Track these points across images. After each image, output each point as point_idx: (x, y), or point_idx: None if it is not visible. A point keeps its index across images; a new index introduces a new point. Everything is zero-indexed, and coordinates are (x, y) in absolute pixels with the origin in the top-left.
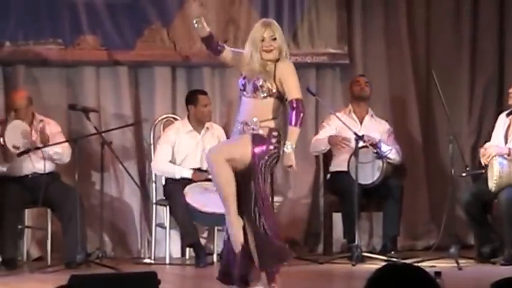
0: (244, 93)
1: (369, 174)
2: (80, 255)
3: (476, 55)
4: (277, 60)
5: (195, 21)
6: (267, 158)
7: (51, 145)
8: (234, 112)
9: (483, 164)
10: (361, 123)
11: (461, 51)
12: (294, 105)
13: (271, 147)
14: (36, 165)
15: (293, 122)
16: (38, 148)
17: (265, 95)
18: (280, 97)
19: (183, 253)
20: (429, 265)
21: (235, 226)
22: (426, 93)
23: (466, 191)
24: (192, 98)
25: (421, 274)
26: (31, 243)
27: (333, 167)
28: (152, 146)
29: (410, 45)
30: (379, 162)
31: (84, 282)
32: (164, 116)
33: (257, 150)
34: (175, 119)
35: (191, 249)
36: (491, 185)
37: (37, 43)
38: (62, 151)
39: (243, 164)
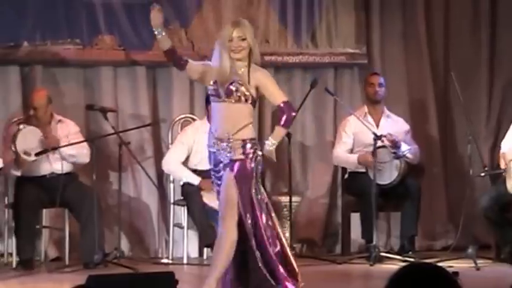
0: (216, 98)
1: (387, 175)
2: (98, 255)
3: (495, 56)
4: (249, 65)
5: (156, 31)
6: (252, 180)
7: (67, 145)
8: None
9: (502, 167)
10: (377, 125)
11: (480, 52)
12: (284, 108)
13: (252, 165)
14: (54, 165)
15: (282, 123)
16: (54, 148)
17: (239, 99)
18: (254, 102)
19: (200, 253)
20: (447, 265)
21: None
22: (444, 94)
23: (484, 195)
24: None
25: (443, 274)
26: (49, 244)
27: (352, 168)
28: (170, 146)
29: (429, 46)
30: (397, 162)
31: (102, 283)
32: (182, 116)
33: (243, 186)
34: (193, 119)
35: (209, 250)
36: (510, 187)
37: (55, 43)
38: (76, 152)
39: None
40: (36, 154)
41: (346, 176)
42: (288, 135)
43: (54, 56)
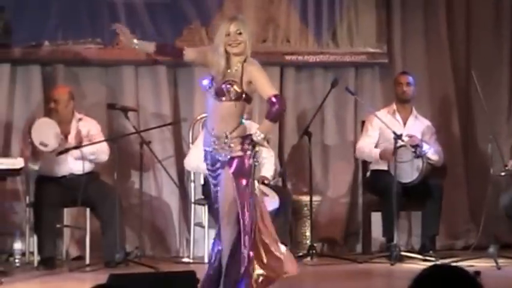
0: (209, 95)
1: (408, 173)
2: (119, 254)
3: None
4: (244, 61)
5: (134, 47)
6: (249, 178)
7: (87, 145)
8: None
9: None
10: (404, 124)
11: (502, 50)
12: (274, 101)
13: (250, 161)
14: (72, 166)
15: (270, 117)
16: (76, 148)
17: (232, 98)
18: (248, 99)
19: None
20: (468, 265)
21: None
22: (466, 93)
23: (505, 194)
24: None
25: (466, 276)
26: (70, 243)
27: (373, 165)
28: (191, 145)
29: (450, 44)
30: (419, 162)
31: (123, 281)
32: (203, 115)
33: (242, 181)
34: None
35: None
36: None
37: (76, 42)
38: (95, 150)
39: None
40: (58, 154)
41: (368, 174)
42: (309, 134)
43: (76, 55)
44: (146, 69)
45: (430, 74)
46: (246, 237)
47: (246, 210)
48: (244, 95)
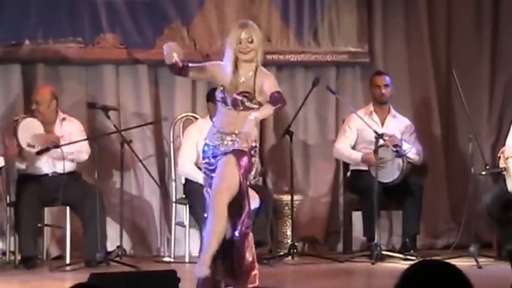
0: (223, 105)
1: (389, 173)
2: (100, 253)
3: (497, 54)
4: (256, 69)
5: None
6: (248, 174)
7: (66, 144)
8: None
9: (501, 166)
10: (382, 124)
11: (482, 49)
12: (276, 95)
13: (252, 160)
14: (56, 164)
15: (271, 101)
16: (56, 147)
17: (246, 108)
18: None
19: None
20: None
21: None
22: (447, 92)
23: (487, 193)
24: (211, 95)
25: (454, 271)
26: (50, 242)
27: (354, 165)
28: (172, 145)
29: (431, 44)
30: (399, 161)
31: (104, 281)
32: (184, 115)
33: (242, 171)
34: (195, 118)
35: None
36: (510, 186)
37: (57, 41)
38: (74, 150)
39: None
40: (38, 153)
41: (348, 174)
42: (290, 133)
43: (56, 54)
44: (127, 68)
45: (410, 73)
46: (246, 219)
47: (247, 195)
48: (257, 105)
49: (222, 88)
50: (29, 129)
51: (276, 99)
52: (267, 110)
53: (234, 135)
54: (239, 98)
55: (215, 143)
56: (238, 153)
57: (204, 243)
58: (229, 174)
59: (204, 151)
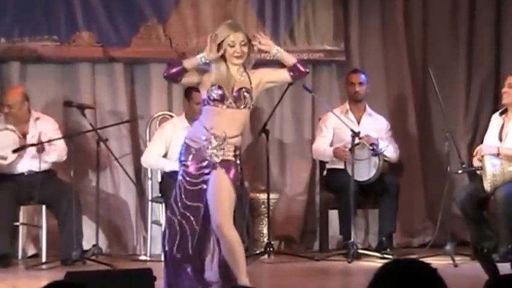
0: (219, 103)
1: (365, 171)
2: (76, 252)
3: (473, 53)
4: (244, 69)
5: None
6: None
7: (44, 142)
8: None
9: (475, 165)
10: (358, 122)
11: (458, 48)
12: (297, 64)
13: (237, 170)
14: (31, 162)
15: (296, 61)
16: (33, 145)
17: (246, 106)
18: (251, 108)
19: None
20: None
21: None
22: (423, 91)
23: (461, 191)
24: (188, 93)
25: (426, 269)
26: (26, 241)
27: (330, 164)
28: (148, 143)
29: (407, 42)
30: (376, 159)
31: (80, 279)
32: (160, 113)
33: (233, 183)
34: (171, 116)
35: None
36: (486, 186)
37: (32, 40)
38: (57, 158)
39: None
40: (14, 151)
41: (325, 173)
42: (266, 132)
43: (32, 52)
44: (103, 66)
45: (387, 71)
46: None
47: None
48: (252, 104)
49: (217, 85)
50: (3, 141)
51: (299, 66)
52: (289, 56)
53: (223, 141)
54: (242, 93)
55: (200, 145)
56: (226, 165)
57: (234, 265)
58: (227, 194)
59: (184, 148)
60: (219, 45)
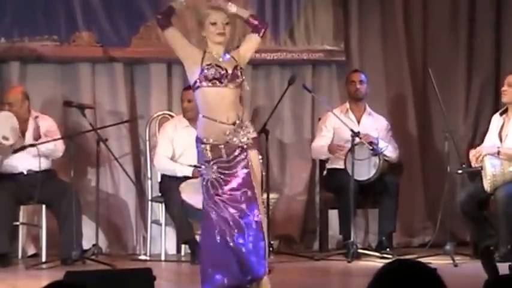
0: (217, 83)
1: (365, 171)
2: (76, 251)
3: (473, 53)
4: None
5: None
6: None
7: (45, 142)
8: None
9: (473, 165)
10: (358, 122)
11: (458, 49)
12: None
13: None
14: (31, 162)
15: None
16: (33, 145)
17: (240, 84)
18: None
19: (178, 250)
20: (425, 262)
21: None
22: (423, 91)
23: (461, 191)
24: (182, 93)
25: (427, 270)
26: (26, 240)
27: (330, 164)
28: (148, 143)
29: (407, 42)
30: (375, 159)
31: (80, 279)
32: (160, 113)
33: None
34: (171, 116)
35: (186, 246)
36: (487, 186)
37: (32, 39)
38: (53, 147)
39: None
40: (14, 151)
41: (325, 172)
42: (266, 132)
43: (32, 52)
44: (103, 66)
45: (387, 71)
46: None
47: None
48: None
49: (209, 65)
50: (6, 122)
51: (258, 21)
52: (245, 11)
53: (241, 124)
54: (237, 71)
55: (223, 141)
56: (254, 143)
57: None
58: (258, 179)
59: (202, 152)
60: (201, 25)
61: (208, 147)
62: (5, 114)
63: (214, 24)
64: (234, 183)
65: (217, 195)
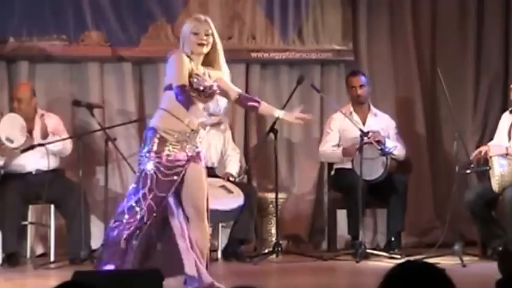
0: (200, 95)
1: (373, 170)
2: (84, 251)
3: (482, 53)
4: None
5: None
6: None
7: (53, 142)
8: (238, 108)
9: (474, 165)
10: (363, 123)
11: (467, 49)
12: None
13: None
14: (39, 162)
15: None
16: (42, 145)
17: (211, 99)
18: None
19: None
20: (433, 262)
21: None
22: (431, 91)
23: (470, 191)
24: None
25: (439, 274)
26: (34, 240)
27: (338, 164)
28: None
29: (416, 43)
30: (383, 158)
31: (89, 279)
32: None
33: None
34: None
35: None
36: (495, 186)
37: (41, 39)
38: (62, 146)
39: None
40: (22, 151)
41: (333, 172)
42: (274, 131)
43: (41, 52)
44: (111, 66)
45: (395, 71)
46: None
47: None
48: None
49: (200, 76)
50: (11, 124)
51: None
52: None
53: (197, 133)
54: (215, 87)
55: (179, 147)
56: (200, 156)
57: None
58: (206, 186)
59: (159, 143)
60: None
61: (157, 138)
62: (12, 116)
63: (196, 34)
64: (162, 185)
65: (148, 190)
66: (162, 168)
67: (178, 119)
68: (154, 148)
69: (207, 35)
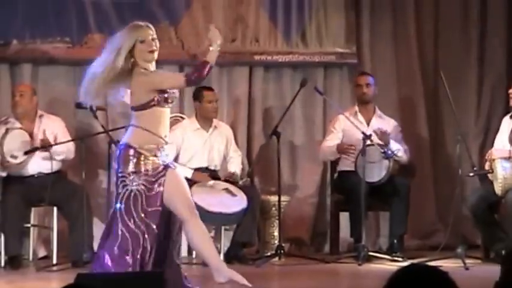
0: (166, 103)
1: (376, 173)
2: (87, 253)
3: (485, 56)
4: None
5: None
6: None
7: (55, 144)
8: (241, 111)
9: (487, 168)
10: (368, 124)
11: (470, 51)
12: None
13: None
14: (42, 164)
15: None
16: (44, 148)
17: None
18: None
19: (189, 252)
20: (436, 265)
21: None
22: (434, 93)
23: (472, 194)
24: (197, 94)
25: (443, 277)
26: (37, 242)
27: (341, 166)
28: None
29: (419, 45)
30: (386, 161)
31: (91, 281)
32: (171, 115)
33: None
34: (182, 118)
35: None
36: (497, 189)
37: (44, 41)
38: (65, 150)
39: None
40: (25, 153)
41: (336, 175)
42: (277, 134)
43: (44, 54)
44: None
45: (398, 74)
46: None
47: None
48: None
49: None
50: (16, 141)
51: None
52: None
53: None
54: (176, 94)
55: (162, 157)
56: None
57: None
58: (188, 188)
59: (137, 162)
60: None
61: (141, 157)
62: (18, 132)
63: (142, 42)
64: (151, 200)
65: (138, 209)
66: (146, 184)
67: (152, 133)
68: (134, 168)
69: (153, 39)
